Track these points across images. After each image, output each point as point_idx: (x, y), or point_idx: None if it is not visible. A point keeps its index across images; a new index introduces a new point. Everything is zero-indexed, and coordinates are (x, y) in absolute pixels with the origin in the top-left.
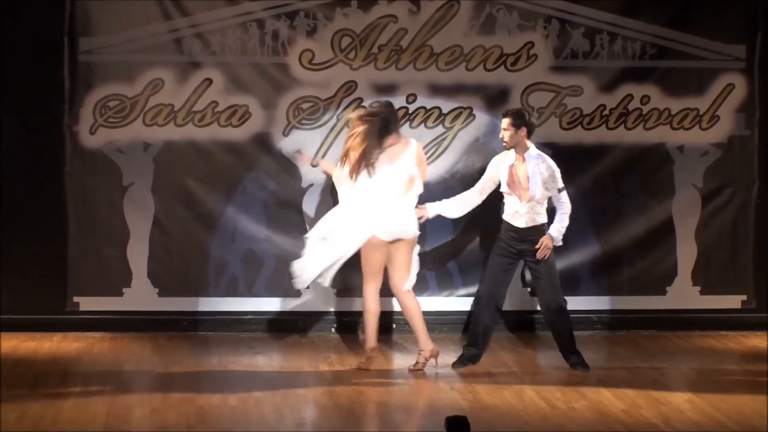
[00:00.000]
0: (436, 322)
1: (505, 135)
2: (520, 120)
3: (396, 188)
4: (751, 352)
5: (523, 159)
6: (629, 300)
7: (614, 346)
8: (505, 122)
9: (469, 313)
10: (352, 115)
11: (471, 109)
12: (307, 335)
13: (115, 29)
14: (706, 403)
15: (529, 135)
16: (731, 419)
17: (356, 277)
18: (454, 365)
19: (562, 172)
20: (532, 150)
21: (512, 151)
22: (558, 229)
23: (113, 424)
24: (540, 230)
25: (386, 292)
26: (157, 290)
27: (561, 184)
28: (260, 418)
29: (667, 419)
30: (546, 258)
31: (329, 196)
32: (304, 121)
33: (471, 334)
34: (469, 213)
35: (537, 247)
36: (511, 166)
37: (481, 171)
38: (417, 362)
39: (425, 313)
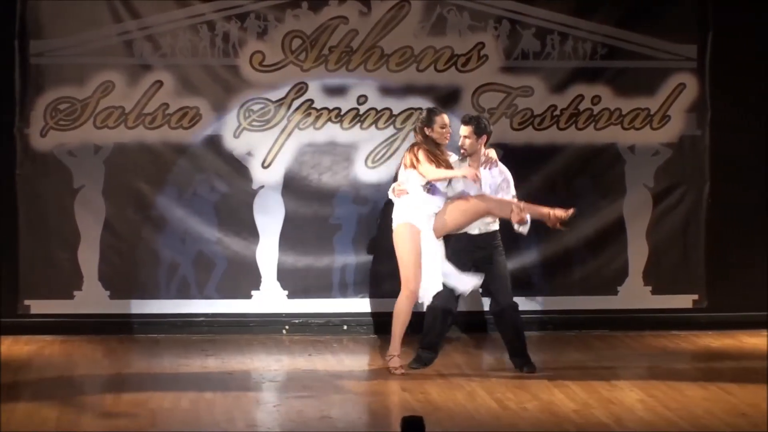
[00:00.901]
0: (387, 323)
1: (466, 143)
2: (482, 129)
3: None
4: (702, 352)
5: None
6: (580, 300)
7: (565, 346)
8: (467, 130)
9: (425, 317)
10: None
11: (422, 110)
12: (258, 337)
13: (66, 32)
14: (657, 402)
15: (486, 143)
16: (683, 419)
17: (307, 279)
18: (411, 365)
19: (513, 173)
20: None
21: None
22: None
23: (64, 427)
24: (494, 236)
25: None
26: (108, 293)
27: (513, 191)
28: (211, 420)
29: (619, 419)
30: (498, 259)
31: (280, 198)
32: (254, 123)
33: (427, 338)
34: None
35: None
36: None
37: None
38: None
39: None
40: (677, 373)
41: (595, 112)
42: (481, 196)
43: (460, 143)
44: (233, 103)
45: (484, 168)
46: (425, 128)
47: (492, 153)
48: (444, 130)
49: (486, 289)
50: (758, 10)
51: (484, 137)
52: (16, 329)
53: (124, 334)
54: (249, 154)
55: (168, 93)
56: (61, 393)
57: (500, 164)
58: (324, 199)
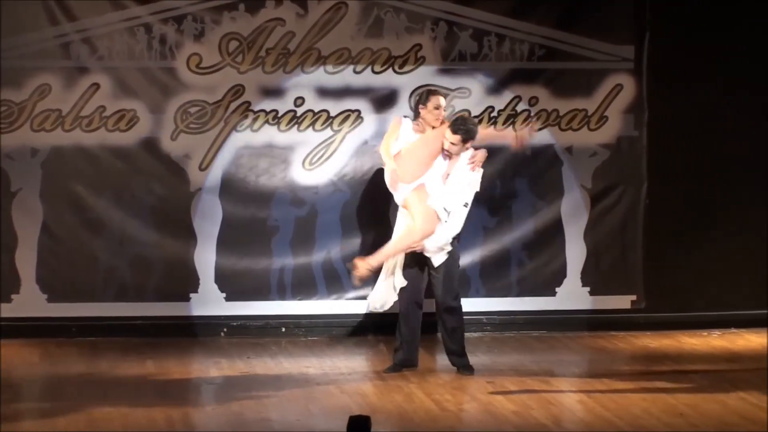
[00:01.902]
0: (325, 325)
1: (453, 148)
2: (470, 136)
3: None
4: (641, 352)
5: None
6: (519, 301)
7: (504, 347)
8: (455, 139)
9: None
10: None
11: (359, 111)
12: (197, 339)
13: (2, 35)
14: (596, 403)
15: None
16: (621, 419)
17: (245, 282)
18: (387, 371)
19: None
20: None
21: None
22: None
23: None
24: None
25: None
26: (46, 296)
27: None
28: (150, 422)
29: (558, 420)
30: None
31: (217, 200)
32: (192, 125)
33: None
34: (355, 215)
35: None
36: None
37: (370, 173)
38: None
39: (315, 317)
40: (616, 374)
41: (532, 114)
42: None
43: (446, 147)
44: (170, 105)
45: (470, 166)
46: (419, 106)
47: (481, 155)
48: (437, 112)
49: (429, 287)
50: (694, 10)
51: (469, 143)
52: None
53: (63, 338)
54: (186, 156)
55: (105, 96)
56: None
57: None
58: (261, 201)
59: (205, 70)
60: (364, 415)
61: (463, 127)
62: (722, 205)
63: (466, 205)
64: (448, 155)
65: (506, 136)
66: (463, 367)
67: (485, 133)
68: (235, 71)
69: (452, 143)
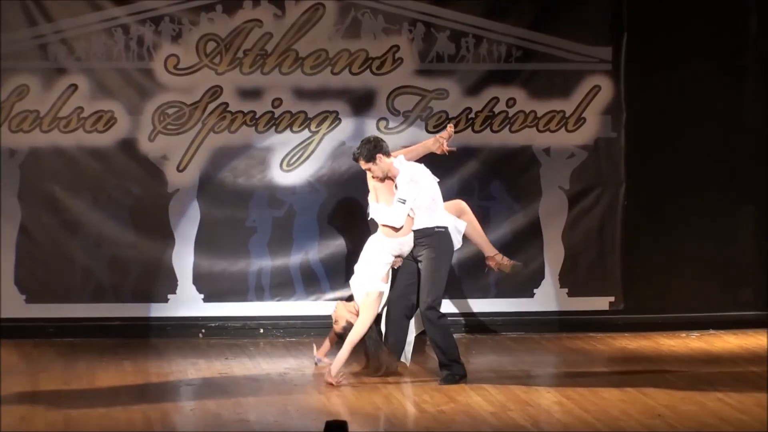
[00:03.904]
0: (303, 326)
1: (370, 174)
2: (369, 152)
3: None
4: (619, 354)
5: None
6: (497, 302)
7: (482, 348)
8: (362, 165)
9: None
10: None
11: (337, 112)
12: (174, 340)
13: None
14: (574, 404)
15: (387, 155)
16: (599, 420)
17: (223, 282)
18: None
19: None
20: (400, 160)
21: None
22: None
23: None
24: (428, 233)
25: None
26: (23, 297)
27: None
28: (128, 423)
29: (536, 421)
30: (426, 260)
31: (195, 201)
32: (169, 127)
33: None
34: (332, 216)
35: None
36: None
37: (347, 174)
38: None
39: (293, 318)
40: (594, 375)
41: (510, 115)
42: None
43: (371, 178)
44: (148, 106)
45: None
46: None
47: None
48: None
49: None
50: (672, 12)
51: (379, 156)
52: None
53: (40, 338)
54: (164, 157)
55: (83, 97)
56: None
57: (410, 166)
58: (239, 202)
59: (182, 71)
60: (341, 420)
61: (356, 151)
62: (700, 206)
63: (402, 201)
64: (378, 179)
65: (427, 145)
66: (441, 377)
67: (407, 150)
68: (212, 72)
69: (365, 169)
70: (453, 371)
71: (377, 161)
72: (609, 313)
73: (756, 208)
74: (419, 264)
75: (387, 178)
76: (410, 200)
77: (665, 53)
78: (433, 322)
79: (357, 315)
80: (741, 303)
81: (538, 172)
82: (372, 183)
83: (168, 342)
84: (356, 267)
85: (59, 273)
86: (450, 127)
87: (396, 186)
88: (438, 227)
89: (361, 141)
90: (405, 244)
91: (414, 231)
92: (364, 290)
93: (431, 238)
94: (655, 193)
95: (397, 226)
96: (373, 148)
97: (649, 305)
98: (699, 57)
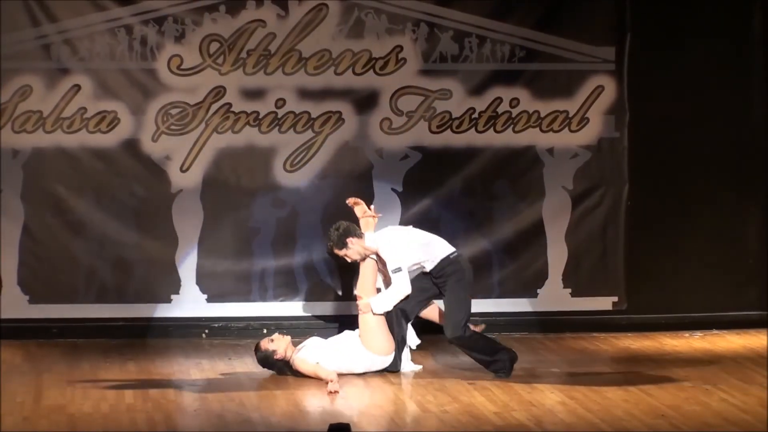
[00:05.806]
0: (306, 326)
1: (348, 259)
2: (341, 240)
3: None
4: (622, 354)
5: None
6: (500, 302)
7: None
8: (338, 254)
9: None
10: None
11: (340, 113)
12: (178, 341)
13: None
14: (578, 404)
15: (357, 237)
16: (603, 420)
17: (226, 283)
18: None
19: (431, 177)
20: (369, 237)
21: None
22: (380, 298)
23: None
24: (446, 263)
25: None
26: (27, 297)
27: (394, 266)
28: (132, 424)
29: (540, 421)
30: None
31: (198, 202)
32: (173, 127)
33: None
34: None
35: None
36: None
37: (351, 174)
38: None
39: (296, 318)
40: (597, 375)
41: (513, 115)
42: None
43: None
44: (151, 107)
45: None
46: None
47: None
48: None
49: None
50: (675, 12)
51: (350, 240)
52: None
53: (44, 339)
54: (167, 158)
55: (86, 97)
56: None
57: (382, 237)
58: (242, 202)
59: (185, 72)
60: (344, 423)
61: (328, 243)
62: (704, 206)
63: (398, 270)
64: (358, 260)
65: (367, 223)
66: (495, 372)
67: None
68: (216, 73)
69: (343, 257)
70: (501, 361)
71: (349, 245)
72: (612, 313)
73: (760, 208)
74: (442, 290)
75: (366, 257)
76: (404, 264)
77: (668, 53)
78: (463, 343)
79: (293, 349)
80: (745, 303)
81: (542, 172)
82: (362, 269)
83: (171, 342)
84: (328, 342)
85: (62, 273)
86: (350, 199)
87: (383, 261)
88: (451, 254)
89: (329, 230)
90: (377, 364)
91: (432, 269)
92: (315, 360)
93: (453, 266)
94: (659, 193)
95: (409, 292)
96: (342, 234)
97: (653, 305)
98: (702, 57)
